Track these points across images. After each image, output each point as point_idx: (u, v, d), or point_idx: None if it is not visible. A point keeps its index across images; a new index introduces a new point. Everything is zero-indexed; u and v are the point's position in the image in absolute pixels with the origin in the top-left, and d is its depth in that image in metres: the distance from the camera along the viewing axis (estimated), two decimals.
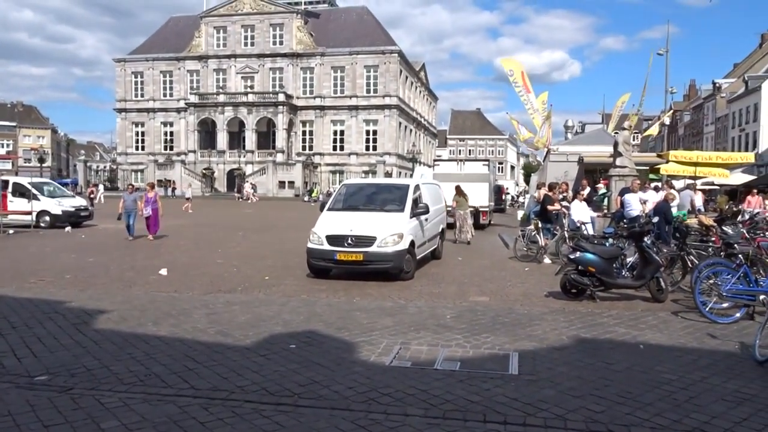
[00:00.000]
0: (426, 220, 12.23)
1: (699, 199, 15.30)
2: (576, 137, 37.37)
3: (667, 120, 41.33)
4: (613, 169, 17.08)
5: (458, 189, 18.64)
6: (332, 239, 10.64)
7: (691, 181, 18.10)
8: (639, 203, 13.55)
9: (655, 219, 10.17)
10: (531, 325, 7.40)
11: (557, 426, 4.41)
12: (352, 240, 10.53)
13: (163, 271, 11.42)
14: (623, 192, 14.02)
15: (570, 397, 4.95)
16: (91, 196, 38.44)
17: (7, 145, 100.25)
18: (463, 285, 10.54)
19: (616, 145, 17.20)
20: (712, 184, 31.61)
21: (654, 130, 35.77)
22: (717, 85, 62.86)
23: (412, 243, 11.11)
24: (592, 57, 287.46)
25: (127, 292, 9.49)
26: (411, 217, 11.44)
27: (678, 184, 21.56)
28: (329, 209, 12.03)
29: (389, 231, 10.63)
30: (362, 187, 13.71)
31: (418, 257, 11.72)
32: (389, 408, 4.70)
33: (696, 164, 19.23)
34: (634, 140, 44.25)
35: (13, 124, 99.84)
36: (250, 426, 4.34)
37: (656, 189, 16.59)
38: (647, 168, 21.46)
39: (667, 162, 20.02)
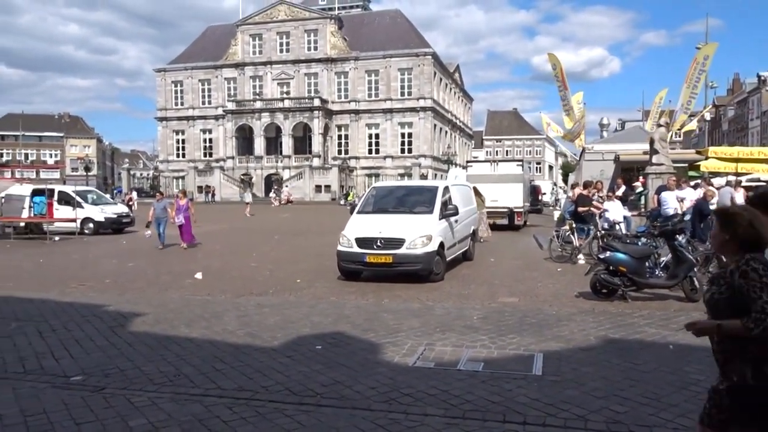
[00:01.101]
0: (456, 221, 12.21)
1: (740, 197, 14.77)
2: (612, 135, 36.66)
3: (708, 115, 40.11)
4: (649, 166, 16.74)
5: (475, 189, 18.56)
6: (362, 242, 10.74)
7: (731, 178, 17.54)
8: (676, 201, 13.24)
9: (687, 217, 9.92)
10: (558, 326, 7.33)
11: (577, 426, 4.38)
12: (381, 242, 10.60)
13: (199, 275, 11.71)
14: (660, 190, 13.71)
15: (593, 398, 4.90)
16: (130, 203, 39.57)
17: (55, 155, 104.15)
18: (493, 286, 10.49)
19: (652, 142, 16.86)
20: (758, 180, 30.51)
21: (692, 126, 34.67)
22: (762, 78, 60.65)
23: (442, 244, 11.11)
24: (632, 53, 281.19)
25: (162, 296, 9.78)
26: (440, 219, 11.44)
27: (719, 181, 20.93)
28: (359, 212, 12.13)
29: (418, 233, 10.66)
30: (392, 189, 13.77)
31: (448, 259, 11.70)
32: (409, 408, 4.75)
33: (737, 160, 18.63)
34: (677, 137, 43.09)
35: (61, 134, 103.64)
36: (271, 425, 4.44)
37: (695, 187, 16.16)
38: (686, 165, 20.93)
39: (707, 158, 19.46)
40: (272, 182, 65.83)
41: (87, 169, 66.71)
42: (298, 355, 6.23)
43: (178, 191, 20.02)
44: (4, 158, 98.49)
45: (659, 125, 17.78)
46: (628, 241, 9.54)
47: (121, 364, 5.94)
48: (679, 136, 50.47)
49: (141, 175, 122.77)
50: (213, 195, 60.61)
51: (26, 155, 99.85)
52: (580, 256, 13.34)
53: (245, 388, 5.22)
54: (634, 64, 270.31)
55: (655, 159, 16.34)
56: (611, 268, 8.76)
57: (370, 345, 6.59)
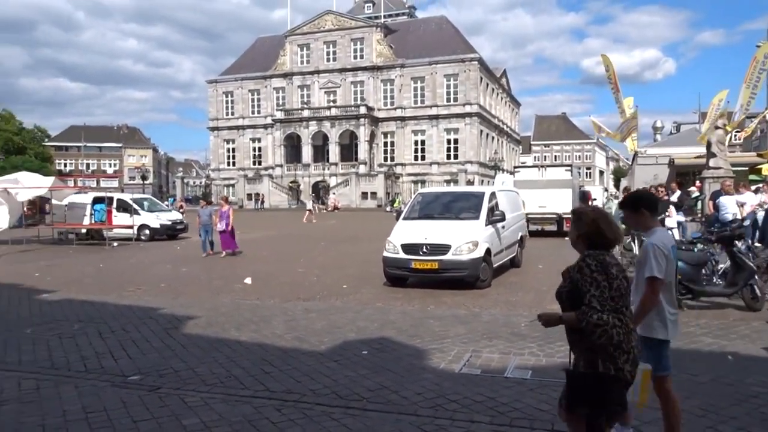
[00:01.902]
0: (503, 227, 12.08)
1: None
2: (666, 138, 35.56)
3: None
4: (706, 170, 16.19)
5: None
6: (407, 248, 10.75)
7: None
8: (735, 206, 12.72)
9: (747, 223, 9.52)
10: None
11: None
12: (426, 248, 10.59)
13: (248, 280, 11.97)
14: (715, 195, 13.19)
15: (646, 409, 4.69)
16: (181, 210, 40.75)
17: (114, 165, 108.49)
18: (541, 293, 10.32)
19: (709, 145, 16.29)
20: None
21: (751, 128, 33.17)
22: None
23: (488, 251, 11.02)
24: (687, 54, 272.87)
25: (214, 300, 10.04)
26: (486, 225, 11.35)
27: None
28: (405, 218, 12.16)
29: (464, 239, 10.60)
30: (438, 195, 13.75)
31: (495, 265, 11.59)
32: (455, 414, 4.73)
33: None
34: (736, 139, 41.30)
35: (119, 145, 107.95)
36: (318, 427, 4.50)
37: (756, 191, 15.50)
38: (747, 169, 20.11)
39: None
40: (320, 189, 66.73)
41: (143, 177, 69.01)
42: (345, 359, 6.29)
43: (219, 198, 20.42)
44: (67, 168, 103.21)
45: (717, 127, 17.14)
46: (683, 247, 9.21)
47: (175, 365, 6.14)
48: (739, 139, 48.47)
49: (194, 183, 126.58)
50: (262, 202, 61.86)
51: (87, 165, 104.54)
52: None
53: (293, 391, 5.31)
54: (689, 65, 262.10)
55: (712, 162, 15.79)
56: None
57: (415, 351, 6.59)
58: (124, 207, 22.95)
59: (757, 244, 11.02)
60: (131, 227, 21.79)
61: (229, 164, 76.96)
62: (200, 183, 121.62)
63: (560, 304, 3.24)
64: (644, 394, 3.48)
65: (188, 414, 4.77)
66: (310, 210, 39.02)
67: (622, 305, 3.08)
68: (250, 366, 6.07)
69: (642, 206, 3.81)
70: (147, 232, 22.97)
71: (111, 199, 23.35)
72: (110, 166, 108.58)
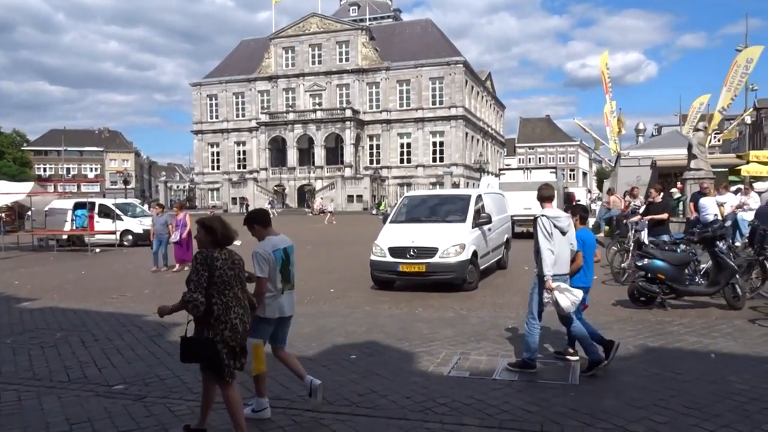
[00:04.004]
0: (489, 230, 12.13)
1: None
2: (649, 141, 35.97)
3: (748, 119, 39.03)
4: (687, 172, 16.38)
5: None
6: (394, 251, 10.76)
7: None
8: (716, 207, 12.89)
9: (728, 224, 9.66)
10: None
11: None
12: (414, 251, 10.61)
13: None
14: (695, 197, 13.34)
15: (632, 408, 4.81)
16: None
17: (95, 169, 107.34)
18: (528, 295, 10.33)
19: (690, 147, 16.50)
20: None
21: (731, 134, 33.77)
22: None
23: (475, 253, 11.06)
24: (669, 57, 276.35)
25: None
26: (473, 228, 11.39)
27: (761, 185, 20.36)
28: (392, 221, 12.17)
29: (451, 242, 10.63)
30: (424, 198, 13.77)
31: (482, 267, 11.63)
32: (445, 417, 4.74)
33: None
34: (716, 141, 41.93)
35: (101, 149, 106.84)
36: None
37: (736, 192, 15.72)
38: (726, 170, 20.40)
39: (748, 162, 18.98)
40: (305, 192, 66.55)
41: (126, 182, 68.55)
42: (333, 364, 6.27)
43: (175, 203, 18.89)
44: (47, 173, 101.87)
45: (697, 129, 17.38)
46: (666, 248, 9.32)
47: (161, 373, 6.07)
48: (719, 141, 49.19)
49: (178, 187, 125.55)
50: (247, 206, 61.44)
51: (68, 170, 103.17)
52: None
53: (282, 397, 5.28)
54: (671, 68, 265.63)
55: (693, 164, 15.99)
56: (649, 275, 8.59)
57: (404, 354, 6.59)
58: (106, 212, 22.68)
59: (737, 244, 11.20)
60: (114, 233, 21.55)
61: (213, 168, 76.48)
62: (184, 187, 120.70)
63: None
64: (257, 362, 4.48)
65: (175, 423, 4.72)
66: (331, 212, 40.38)
67: (225, 288, 4.08)
68: (237, 373, 6.01)
69: (253, 222, 4.90)
70: (130, 237, 22.72)
71: (93, 204, 23.07)
72: (91, 170, 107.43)
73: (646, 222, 11.26)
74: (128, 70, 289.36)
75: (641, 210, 12.68)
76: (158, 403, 5.22)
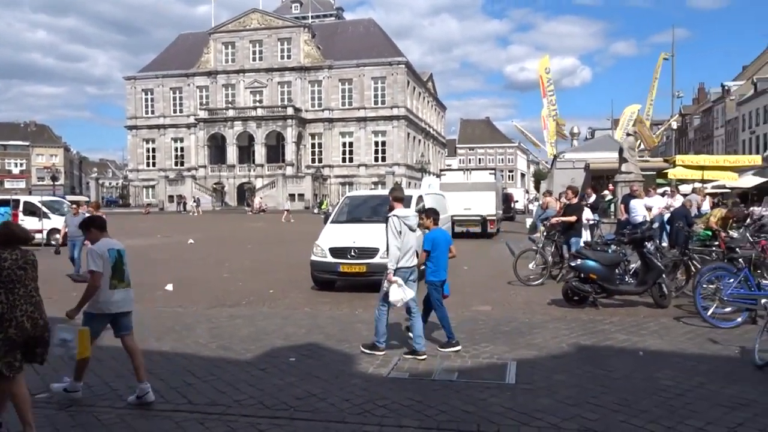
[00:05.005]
0: None
1: (706, 204, 15.18)
2: (583, 144, 37.28)
3: (674, 124, 41.10)
4: (618, 175, 17.03)
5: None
6: (335, 251, 10.70)
7: (697, 185, 17.99)
8: (644, 209, 13.46)
9: (655, 225, 10.12)
10: (531, 334, 7.39)
11: None
12: (354, 252, 10.58)
13: (169, 287, 11.53)
14: (626, 199, 13.92)
15: (566, 406, 4.94)
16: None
17: (21, 165, 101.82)
18: (467, 295, 10.52)
19: (621, 151, 17.17)
20: (724, 187, 31.38)
21: (656, 140, 35.76)
22: (726, 87, 62.51)
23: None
24: (603, 62, 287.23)
25: None
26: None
27: (686, 188, 21.45)
28: (333, 222, 12.10)
29: None
30: (365, 199, 13.77)
31: (422, 268, 11.68)
32: (384, 420, 4.73)
33: (703, 168, 19.15)
34: (643, 145, 43.97)
35: (27, 143, 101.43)
36: None
37: (663, 194, 16.51)
38: (654, 173, 21.38)
39: (674, 166, 19.94)
40: (245, 191, 65.38)
41: (54, 178, 64.94)
42: (272, 367, 6.16)
43: (85, 202, 17.43)
44: None
45: (628, 134, 18.14)
46: (598, 248, 9.67)
47: (89, 380, 5.77)
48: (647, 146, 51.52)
49: (110, 184, 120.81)
50: (185, 204, 59.74)
51: None
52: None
53: (217, 403, 5.14)
54: (604, 73, 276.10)
55: (624, 167, 16.64)
56: (582, 275, 8.88)
57: (344, 356, 6.55)
58: (32, 210, 21.56)
59: (664, 245, 11.74)
60: (40, 232, 20.48)
61: (148, 165, 74.08)
62: (117, 184, 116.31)
63: None
64: (81, 348, 4.92)
65: None
66: (288, 210, 41.37)
67: (14, 287, 4.29)
68: (171, 377, 5.83)
69: (90, 226, 5.41)
70: (58, 236, 21.65)
71: (17, 201, 21.89)
72: (16, 165, 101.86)
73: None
74: (57, 62, 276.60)
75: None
76: (85, 411, 4.98)
